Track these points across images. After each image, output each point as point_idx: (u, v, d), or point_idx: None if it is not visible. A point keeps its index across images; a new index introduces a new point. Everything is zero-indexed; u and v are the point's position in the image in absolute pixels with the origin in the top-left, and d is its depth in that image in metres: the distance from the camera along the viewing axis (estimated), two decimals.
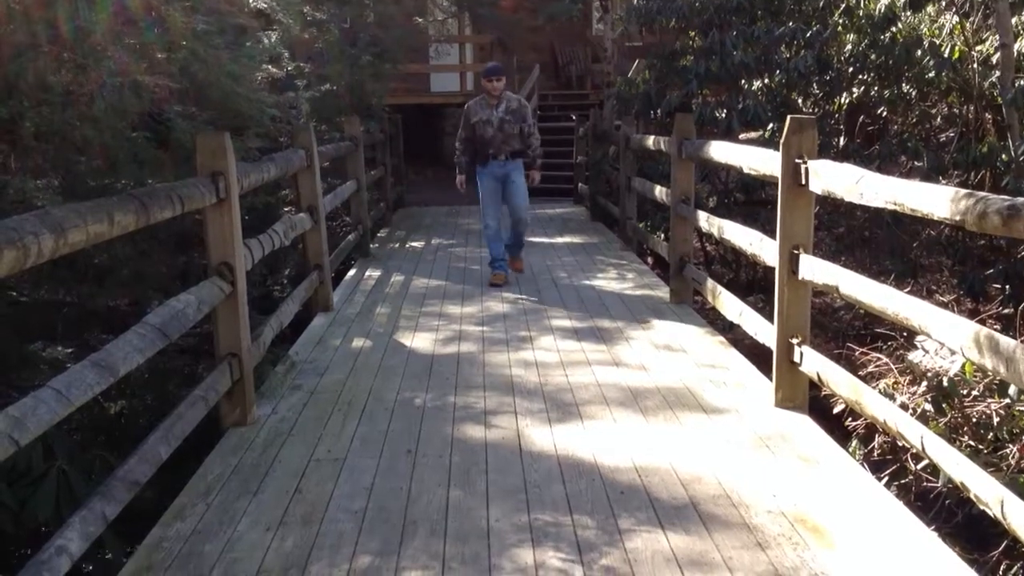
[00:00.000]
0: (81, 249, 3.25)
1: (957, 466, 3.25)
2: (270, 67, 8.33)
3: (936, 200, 3.25)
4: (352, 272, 8.92)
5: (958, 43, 9.39)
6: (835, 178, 4.12)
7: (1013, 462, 4.21)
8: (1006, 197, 2.90)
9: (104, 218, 3.19)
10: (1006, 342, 2.90)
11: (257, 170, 5.34)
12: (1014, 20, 9.05)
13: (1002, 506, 2.95)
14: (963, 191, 3.14)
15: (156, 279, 5.52)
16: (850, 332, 7.92)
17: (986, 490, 3.06)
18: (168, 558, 3.25)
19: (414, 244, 10.90)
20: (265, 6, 7.81)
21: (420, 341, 6.18)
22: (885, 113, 10.44)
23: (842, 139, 10.35)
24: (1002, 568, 4.26)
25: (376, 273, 8.82)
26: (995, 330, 3.08)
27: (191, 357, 5.77)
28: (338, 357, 5.81)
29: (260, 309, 5.95)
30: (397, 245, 10.88)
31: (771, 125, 9.59)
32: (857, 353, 5.40)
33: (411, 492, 3.75)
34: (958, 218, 3.09)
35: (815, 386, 4.60)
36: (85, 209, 3.09)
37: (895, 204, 3.57)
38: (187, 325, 3.97)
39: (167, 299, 4.02)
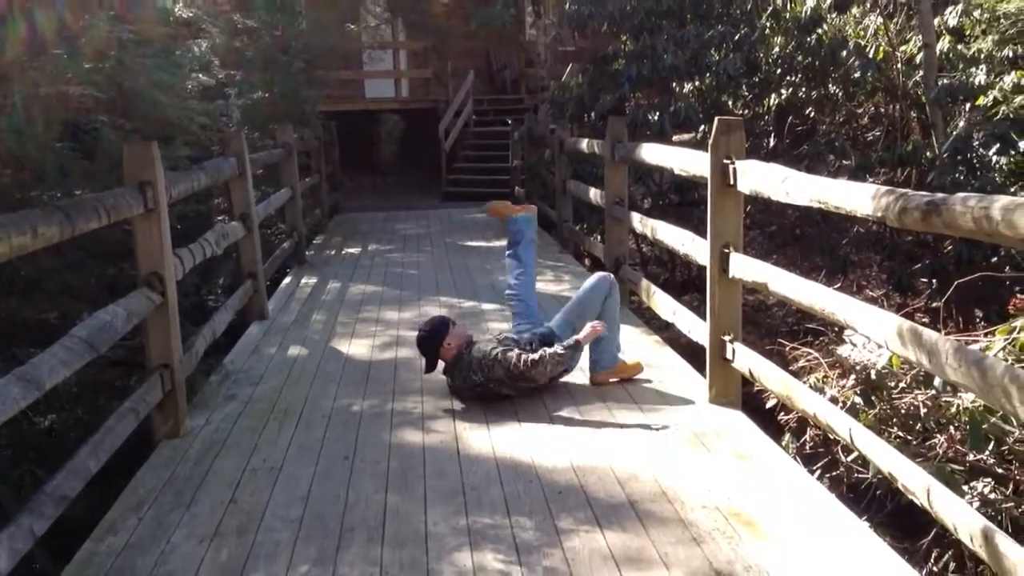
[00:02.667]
0: (6, 262, 3.19)
1: (885, 457, 3.32)
2: (200, 75, 8.22)
3: (858, 198, 3.32)
4: (288, 280, 8.84)
5: (882, 44, 9.62)
6: (762, 178, 4.20)
7: (941, 451, 4.31)
8: (925, 193, 2.97)
9: (27, 230, 3.14)
10: (928, 334, 2.97)
11: (187, 179, 5.28)
12: (936, 21, 9.29)
13: (928, 494, 3.02)
14: (884, 188, 3.22)
15: (85, 291, 5.41)
16: (783, 329, 8.06)
17: (913, 480, 3.13)
18: (100, 573, 3.19)
19: (350, 250, 10.84)
20: (191, 15, 7.71)
21: (357, 347, 6.15)
22: (813, 113, 10.63)
23: (772, 140, 10.54)
24: (933, 556, 4.35)
25: (312, 280, 8.75)
26: (923, 323, 3.17)
27: (123, 369, 5.67)
28: (273, 365, 5.76)
29: (194, 319, 5.86)
30: (333, 252, 10.81)
31: (702, 127, 9.73)
32: (788, 348, 5.50)
33: (348, 499, 3.73)
34: (880, 214, 3.16)
35: (748, 382, 4.67)
36: (7, 221, 3.03)
37: (820, 203, 3.64)
38: (115, 337, 3.91)
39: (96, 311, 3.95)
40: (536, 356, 4.68)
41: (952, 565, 4.15)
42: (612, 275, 5.54)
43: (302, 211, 10.16)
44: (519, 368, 4.65)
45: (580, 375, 5.19)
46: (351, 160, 16.75)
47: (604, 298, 5.25)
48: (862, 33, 10.26)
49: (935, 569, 4.16)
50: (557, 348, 4.75)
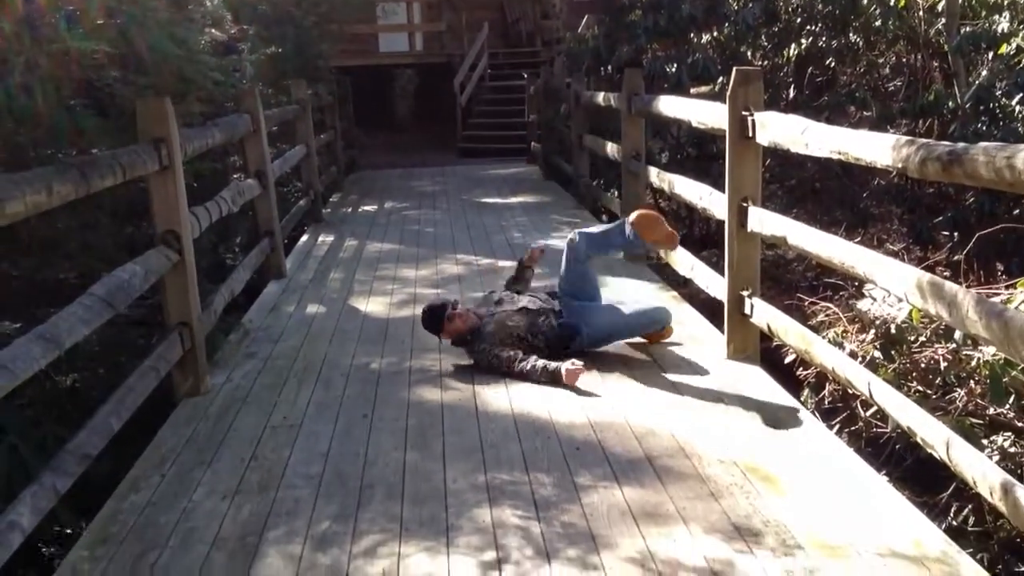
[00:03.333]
0: (23, 221, 3.19)
1: (904, 411, 3.30)
2: (213, 31, 8.18)
3: (878, 148, 3.27)
4: (305, 238, 8.84)
5: None
6: (781, 130, 4.14)
7: (960, 405, 4.29)
8: (947, 143, 2.93)
9: (42, 188, 3.13)
10: (949, 287, 2.94)
11: (201, 136, 5.26)
12: None
13: (947, 448, 3.01)
14: (905, 138, 3.17)
15: (102, 250, 5.43)
16: (802, 284, 8.01)
17: (932, 433, 3.12)
18: (123, 530, 3.23)
19: (367, 208, 10.82)
20: None
21: (375, 305, 6.16)
22: (833, 64, 10.48)
23: (791, 91, 10.41)
24: (952, 510, 4.35)
25: (329, 238, 8.75)
26: (944, 277, 3.13)
27: (144, 329, 5.70)
28: (292, 324, 5.78)
29: (212, 278, 5.88)
30: (350, 210, 10.80)
31: (720, 79, 9.60)
32: (807, 303, 5.47)
33: (368, 456, 3.75)
34: (900, 165, 3.12)
35: (766, 337, 4.65)
36: (22, 179, 3.03)
37: (839, 154, 3.60)
38: (133, 295, 3.92)
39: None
40: (527, 367, 4.54)
41: (972, 519, 4.15)
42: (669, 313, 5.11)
43: (318, 168, 10.14)
44: (506, 368, 4.60)
45: None
46: (366, 116, 16.69)
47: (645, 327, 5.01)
48: None
49: (954, 523, 4.16)
50: (547, 365, 4.51)
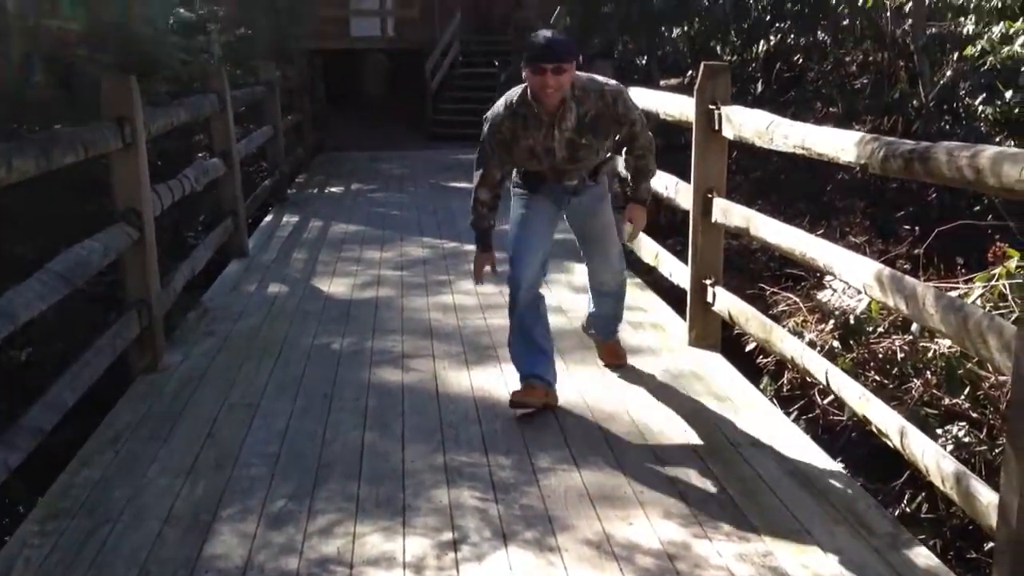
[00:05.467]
0: None
1: (859, 399, 3.34)
2: (181, 10, 8.10)
3: (842, 144, 3.31)
4: (269, 218, 8.77)
5: None
6: (747, 124, 4.17)
7: (917, 395, 4.34)
8: (909, 141, 2.97)
9: (2, 163, 3.10)
10: (908, 281, 2.98)
11: (166, 115, 5.22)
12: None
13: (902, 437, 3.05)
14: (868, 135, 3.21)
15: (62, 226, 5.36)
16: (765, 274, 8.05)
17: (886, 422, 3.15)
18: (75, 505, 3.19)
19: (333, 190, 10.76)
20: None
21: (337, 286, 6.13)
22: (801, 60, 10.58)
23: (760, 86, 10.48)
24: (906, 497, 4.40)
25: (293, 219, 8.69)
26: (905, 270, 3.17)
27: (104, 305, 5.64)
28: (253, 303, 5.74)
29: (173, 256, 5.83)
30: (316, 191, 10.73)
31: (690, 72, 9.65)
32: (769, 293, 5.51)
33: (326, 436, 3.74)
34: (863, 161, 3.16)
35: (728, 326, 4.68)
36: None
37: (804, 149, 3.62)
38: (92, 271, 3.89)
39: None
40: (477, 197, 4.04)
41: (925, 506, 4.20)
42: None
43: (284, 149, 10.06)
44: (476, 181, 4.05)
45: (558, 317, 5.18)
46: (336, 99, 16.57)
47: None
48: None
49: (908, 510, 4.21)
50: (483, 232, 4.09)
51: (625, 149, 4.05)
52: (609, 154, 4.14)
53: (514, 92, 3.82)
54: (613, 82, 3.88)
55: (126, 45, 6.19)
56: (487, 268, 4.09)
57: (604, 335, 4.50)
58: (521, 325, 4.04)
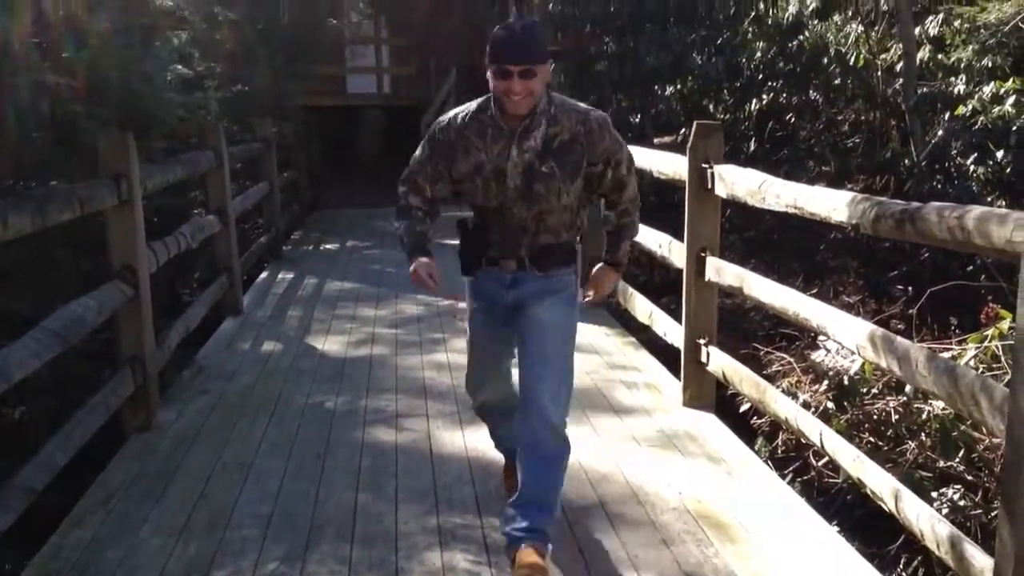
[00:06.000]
0: None
1: (854, 462, 3.33)
2: (179, 67, 8.17)
3: (834, 204, 3.34)
4: (264, 275, 8.79)
5: (863, 51, 9.67)
6: (740, 183, 4.21)
7: (911, 457, 4.34)
8: (900, 201, 3.00)
9: None
10: (900, 342, 2.99)
11: (163, 171, 5.25)
12: (917, 30, 9.34)
13: (896, 500, 3.04)
14: (859, 196, 3.24)
15: (58, 283, 5.37)
16: (759, 333, 8.07)
17: (881, 485, 3.15)
18: (66, 567, 3.16)
19: (328, 246, 10.79)
20: (171, 4, 7.64)
21: (332, 344, 6.13)
22: (793, 119, 10.68)
23: (752, 144, 10.57)
24: (902, 562, 4.37)
25: (289, 276, 8.71)
26: (899, 330, 3.18)
27: (97, 362, 5.63)
28: (247, 361, 5.73)
29: (168, 313, 5.83)
30: (311, 247, 10.76)
31: (683, 130, 9.74)
32: (763, 353, 5.52)
33: (319, 496, 3.71)
34: (855, 221, 3.18)
35: (722, 385, 4.68)
36: None
37: (796, 208, 3.66)
38: (87, 329, 3.89)
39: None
40: (401, 207, 3.38)
41: (921, 571, 4.17)
42: None
43: (280, 206, 10.12)
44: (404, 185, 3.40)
45: None
46: (332, 155, 16.67)
47: None
48: (843, 40, 10.31)
49: (904, 574, 4.18)
50: (414, 241, 3.33)
51: (607, 202, 3.33)
52: (580, 224, 3.22)
53: (483, 98, 3.14)
54: (601, 112, 3.17)
55: (125, 102, 6.23)
56: (428, 276, 3.17)
57: (523, 532, 3.01)
58: (496, 425, 3.62)
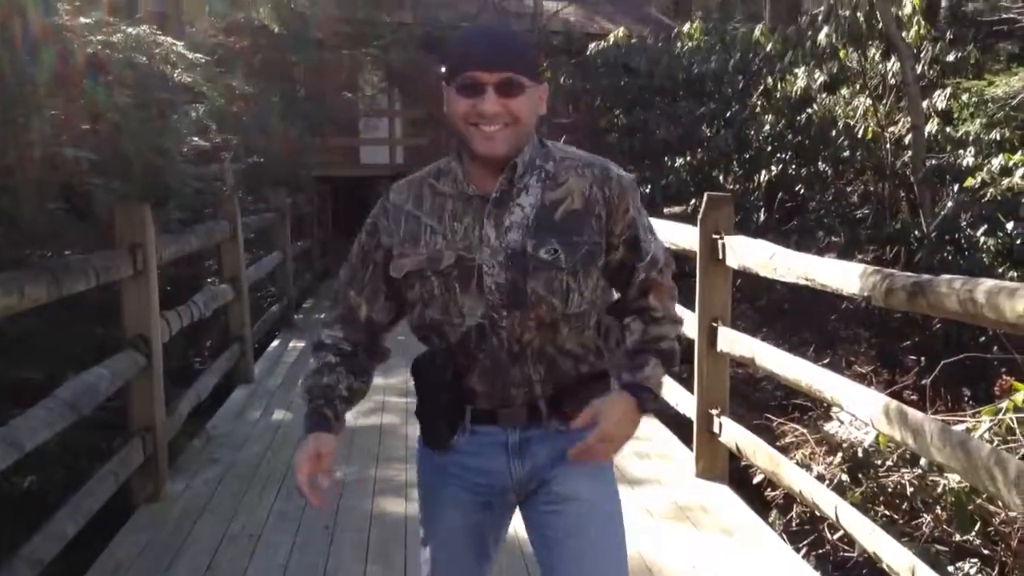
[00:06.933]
0: None
1: (870, 535, 3.29)
2: (196, 139, 8.29)
3: (845, 276, 3.35)
4: (275, 343, 8.81)
5: (871, 124, 9.77)
6: (750, 254, 4.22)
7: (927, 531, 4.28)
8: (911, 274, 3.01)
9: (15, 291, 3.14)
10: (914, 414, 2.97)
11: (178, 242, 5.30)
12: (924, 103, 9.45)
13: (912, 575, 2.99)
14: (870, 268, 3.25)
15: (71, 352, 5.39)
16: (772, 403, 8.03)
17: (898, 560, 3.10)
18: None
19: None
20: (190, 79, 7.77)
21: None
22: (802, 190, 10.75)
23: (762, 214, 10.62)
24: None
25: (300, 344, 8.72)
26: (912, 401, 3.17)
27: (107, 432, 5.62)
28: (257, 430, 5.72)
29: (180, 381, 5.83)
30: (322, 316, 10.76)
31: (693, 200, 9.82)
32: (776, 424, 5.48)
33: (327, 569, 3.68)
34: (866, 293, 3.19)
35: (735, 456, 4.64)
36: None
37: (807, 279, 3.67)
38: (99, 399, 3.90)
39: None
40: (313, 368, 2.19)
41: None
42: None
43: (293, 274, 10.18)
44: None
45: None
46: (344, 224, 16.80)
47: None
48: (851, 113, 10.43)
49: None
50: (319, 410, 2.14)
51: (626, 302, 2.05)
52: (605, 337, 2.04)
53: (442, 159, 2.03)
54: (625, 172, 2.05)
55: (142, 174, 6.31)
56: (311, 471, 1.92)
57: None
58: None
